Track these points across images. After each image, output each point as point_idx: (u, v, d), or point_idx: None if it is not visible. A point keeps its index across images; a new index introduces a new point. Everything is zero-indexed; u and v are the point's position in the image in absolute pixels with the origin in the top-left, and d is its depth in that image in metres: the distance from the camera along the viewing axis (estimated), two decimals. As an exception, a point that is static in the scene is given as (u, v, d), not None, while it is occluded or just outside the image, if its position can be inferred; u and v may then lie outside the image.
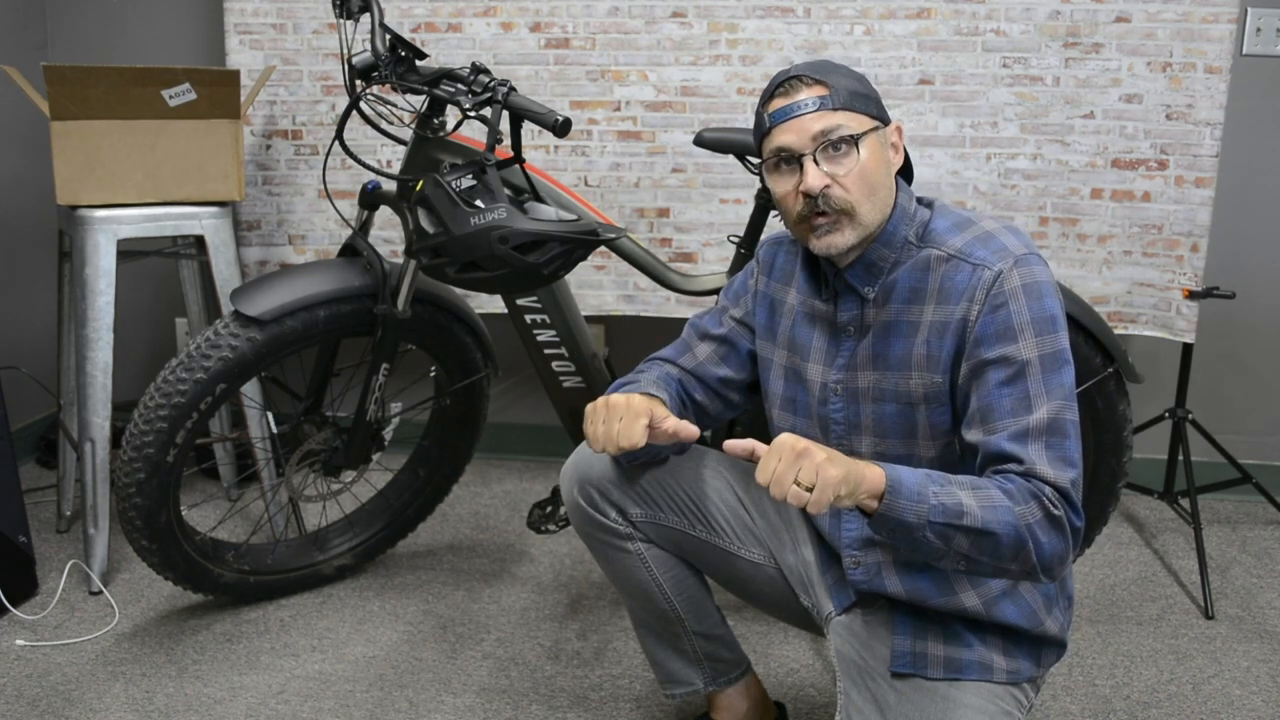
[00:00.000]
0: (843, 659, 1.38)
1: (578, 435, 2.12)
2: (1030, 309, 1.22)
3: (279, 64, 2.54)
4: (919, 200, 1.35)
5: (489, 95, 1.73)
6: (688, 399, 1.48)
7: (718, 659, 1.59)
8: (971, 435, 1.24)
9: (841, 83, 1.26)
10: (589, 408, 1.30)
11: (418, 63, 1.84)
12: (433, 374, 2.27)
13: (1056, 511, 1.17)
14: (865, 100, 1.27)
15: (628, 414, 1.26)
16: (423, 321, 2.07)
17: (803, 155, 1.25)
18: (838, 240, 1.27)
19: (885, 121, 1.30)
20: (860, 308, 1.33)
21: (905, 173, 1.37)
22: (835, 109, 1.25)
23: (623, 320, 2.82)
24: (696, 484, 1.49)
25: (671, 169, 2.47)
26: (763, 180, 1.96)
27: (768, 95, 1.29)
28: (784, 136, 1.26)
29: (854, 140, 1.25)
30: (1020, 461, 1.19)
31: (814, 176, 1.24)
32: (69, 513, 2.44)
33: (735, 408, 1.52)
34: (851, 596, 1.43)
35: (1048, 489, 1.18)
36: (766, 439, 2.01)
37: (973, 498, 1.15)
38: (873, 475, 1.13)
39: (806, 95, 1.26)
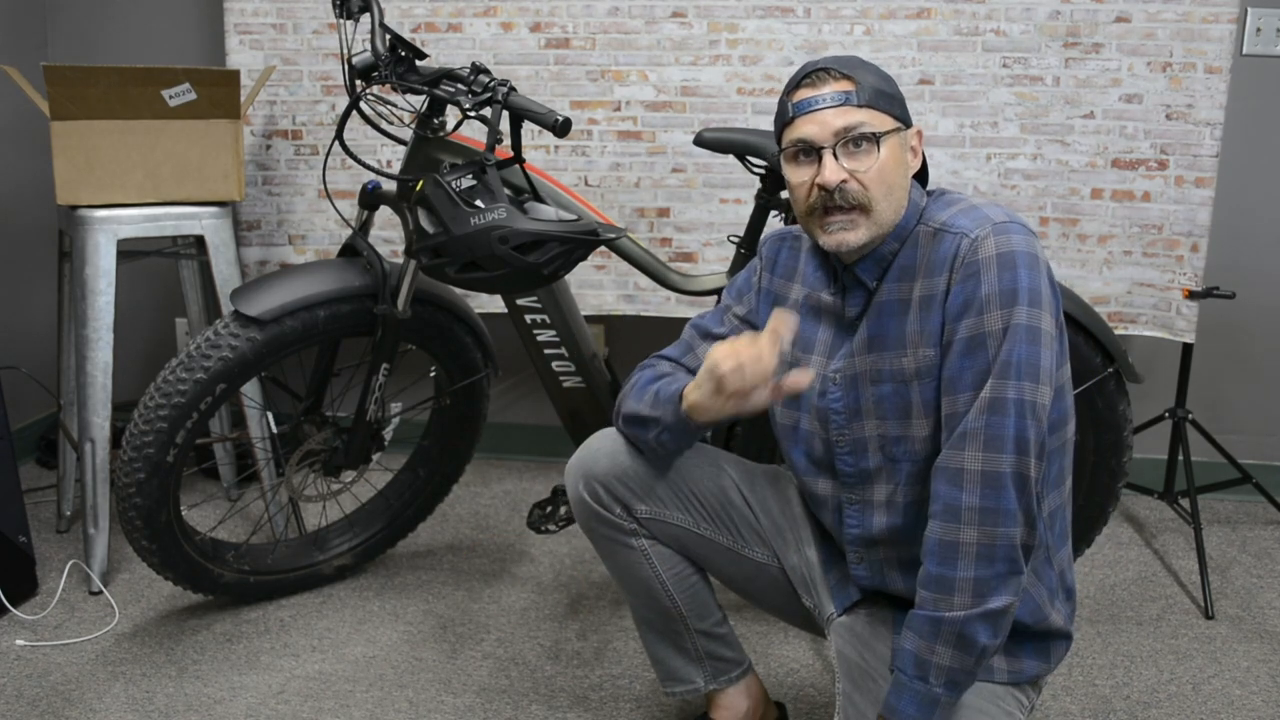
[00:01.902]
0: (843, 659, 1.38)
1: (578, 435, 2.12)
2: (1002, 279, 1.20)
3: (279, 64, 2.53)
4: (927, 194, 1.35)
5: (489, 95, 1.73)
6: None
7: (719, 658, 1.59)
8: (944, 408, 1.25)
9: (868, 80, 1.26)
10: (728, 366, 1.24)
11: (418, 63, 1.84)
12: (433, 374, 2.27)
13: (987, 534, 1.18)
14: (890, 100, 1.27)
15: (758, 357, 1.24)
16: (423, 321, 2.07)
17: (822, 148, 1.25)
18: (850, 238, 1.27)
19: (907, 124, 1.30)
20: (867, 300, 1.34)
21: (921, 178, 1.38)
22: (859, 106, 1.25)
23: (623, 320, 2.82)
24: (702, 482, 1.49)
25: (671, 169, 2.47)
26: (763, 180, 1.98)
27: (793, 85, 1.29)
28: (806, 128, 1.26)
29: (875, 139, 1.25)
30: (948, 470, 1.22)
31: (832, 170, 1.25)
32: (69, 513, 2.44)
33: None
34: (853, 596, 1.43)
35: (967, 512, 1.19)
36: (768, 437, 2.01)
37: (953, 648, 1.19)
38: None
39: (832, 89, 1.26)
